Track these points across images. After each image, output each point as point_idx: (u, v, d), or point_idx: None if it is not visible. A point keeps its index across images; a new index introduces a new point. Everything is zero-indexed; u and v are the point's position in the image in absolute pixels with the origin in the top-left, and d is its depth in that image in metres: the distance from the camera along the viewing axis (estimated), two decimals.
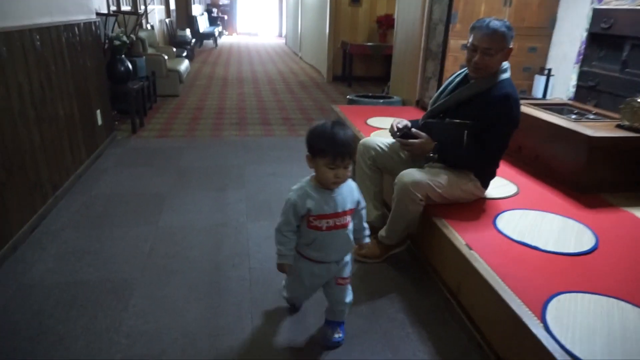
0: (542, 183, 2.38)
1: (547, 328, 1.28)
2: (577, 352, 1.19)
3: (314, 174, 1.44)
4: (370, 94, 4.57)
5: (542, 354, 1.22)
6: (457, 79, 2.04)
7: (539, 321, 1.31)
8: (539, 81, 3.61)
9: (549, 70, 3.57)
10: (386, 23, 6.60)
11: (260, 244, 2.26)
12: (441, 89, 2.10)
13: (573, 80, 3.38)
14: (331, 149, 1.34)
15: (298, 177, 1.53)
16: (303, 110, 5.30)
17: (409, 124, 2.05)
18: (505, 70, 1.92)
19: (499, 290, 1.45)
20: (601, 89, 2.77)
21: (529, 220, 1.94)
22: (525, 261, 1.63)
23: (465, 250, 1.69)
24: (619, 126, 2.26)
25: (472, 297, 1.64)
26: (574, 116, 2.52)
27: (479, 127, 1.87)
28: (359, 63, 7.12)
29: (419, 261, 2.14)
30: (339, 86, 6.94)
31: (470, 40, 1.88)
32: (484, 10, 3.59)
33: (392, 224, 1.97)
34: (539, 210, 2.06)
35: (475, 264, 1.59)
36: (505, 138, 1.93)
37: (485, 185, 2.06)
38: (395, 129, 2.03)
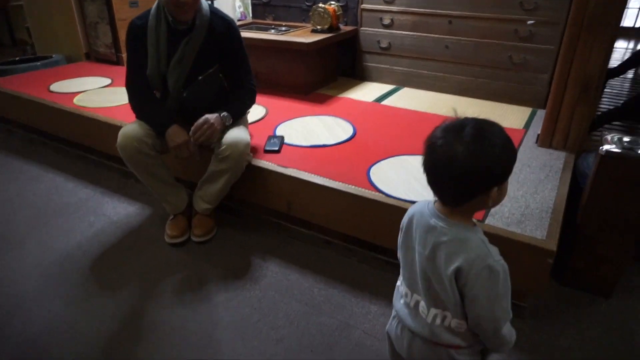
0: (282, 97, 2.64)
1: (374, 186, 1.69)
2: (391, 192, 1.65)
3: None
4: (17, 58, 3.56)
5: (378, 206, 1.60)
6: (161, 31, 1.73)
7: (371, 190, 1.66)
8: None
9: None
10: None
11: None
12: (151, 49, 1.73)
13: (237, 0, 3.67)
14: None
15: None
16: None
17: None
18: None
19: (333, 186, 1.68)
20: (275, 4, 3.15)
21: (304, 129, 2.20)
22: (322, 159, 1.90)
23: (290, 171, 1.80)
24: (314, 31, 2.70)
25: (308, 206, 1.80)
26: (273, 31, 2.82)
27: (230, 65, 1.84)
28: None
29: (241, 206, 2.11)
30: None
31: None
32: None
33: (223, 190, 1.84)
34: (297, 117, 2.34)
35: (305, 177, 1.75)
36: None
37: None
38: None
